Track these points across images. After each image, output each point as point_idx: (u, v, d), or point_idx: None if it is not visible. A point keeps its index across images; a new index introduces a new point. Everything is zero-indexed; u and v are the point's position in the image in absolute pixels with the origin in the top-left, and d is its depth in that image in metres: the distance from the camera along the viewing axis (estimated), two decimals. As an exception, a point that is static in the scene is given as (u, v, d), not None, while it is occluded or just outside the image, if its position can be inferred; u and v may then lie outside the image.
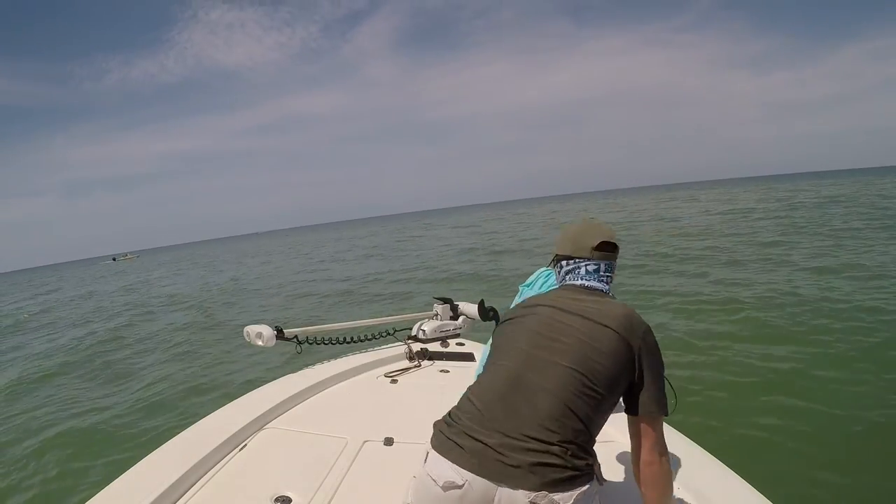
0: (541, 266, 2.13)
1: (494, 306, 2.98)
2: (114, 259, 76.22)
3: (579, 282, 1.34)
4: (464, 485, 1.06)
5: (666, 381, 1.23)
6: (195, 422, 1.94)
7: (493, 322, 2.85)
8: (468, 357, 2.73)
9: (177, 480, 1.49)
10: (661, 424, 1.20)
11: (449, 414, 1.21)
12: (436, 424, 1.21)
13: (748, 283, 7.78)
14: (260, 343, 2.48)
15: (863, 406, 3.78)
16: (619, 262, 1.40)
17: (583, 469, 1.08)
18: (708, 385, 4.34)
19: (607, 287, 1.35)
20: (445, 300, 3.25)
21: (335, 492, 1.50)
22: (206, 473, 1.59)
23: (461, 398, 1.23)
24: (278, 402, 2.10)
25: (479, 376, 1.29)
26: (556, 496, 1.04)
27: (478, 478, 1.06)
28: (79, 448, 4.39)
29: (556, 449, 1.06)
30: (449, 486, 1.07)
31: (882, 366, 4.37)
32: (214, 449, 1.69)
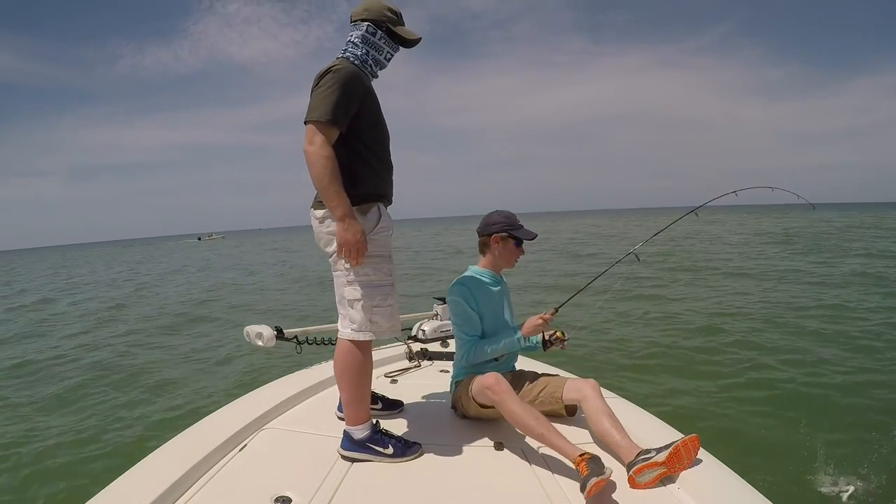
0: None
1: None
2: (199, 239, 78.17)
3: None
4: None
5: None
6: (195, 422, 1.94)
7: None
8: None
9: (177, 480, 1.49)
10: (325, 128, 1.64)
11: None
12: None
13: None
14: (260, 343, 2.48)
15: (863, 405, 3.78)
16: None
17: None
18: (707, 385, 4.34)
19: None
20: (445, 300, 3.24)
21: (335, 492, 1.50)
22: (205, 473, 1.59)
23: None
24: (278, 402, 2.10)
25: None
26: (316, 211, 1.76)
27: None
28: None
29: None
30: None
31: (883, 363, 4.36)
32: (214, 449, 1.69)
